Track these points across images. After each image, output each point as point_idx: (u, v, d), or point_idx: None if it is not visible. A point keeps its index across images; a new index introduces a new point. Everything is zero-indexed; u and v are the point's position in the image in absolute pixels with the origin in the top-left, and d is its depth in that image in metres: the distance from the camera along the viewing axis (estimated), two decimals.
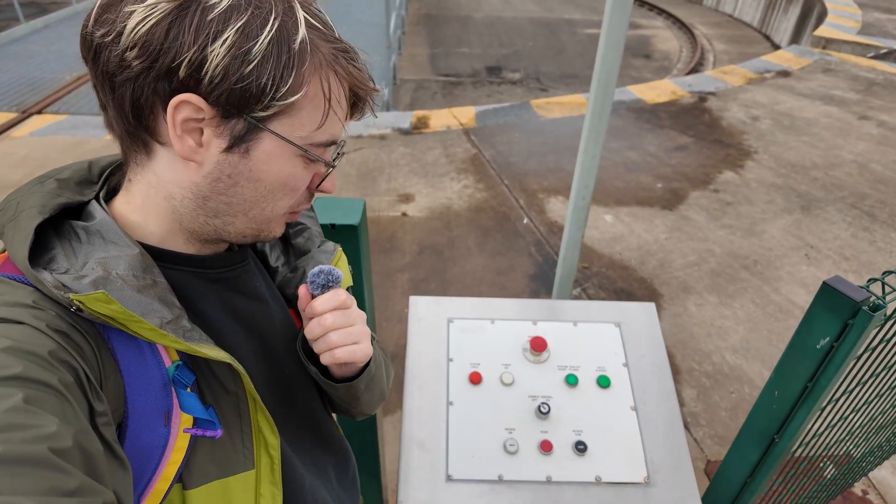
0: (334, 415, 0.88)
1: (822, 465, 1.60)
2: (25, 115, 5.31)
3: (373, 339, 0.73)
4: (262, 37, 0.49)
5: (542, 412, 1.26)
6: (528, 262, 3.44)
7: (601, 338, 1.42)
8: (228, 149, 0.53)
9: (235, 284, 0.65)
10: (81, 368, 0.47)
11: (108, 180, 0.61)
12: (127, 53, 0.48)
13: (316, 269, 0.64)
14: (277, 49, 0.50)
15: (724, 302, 3.11)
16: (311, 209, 0.82)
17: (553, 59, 11.51)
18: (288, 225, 0.77)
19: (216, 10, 0.48)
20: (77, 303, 0.47)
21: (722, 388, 2.58)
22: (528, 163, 4.64)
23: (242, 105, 0.50)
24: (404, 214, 3.90)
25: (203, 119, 0.51)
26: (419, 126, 5.27)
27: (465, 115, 5.56)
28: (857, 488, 2.15)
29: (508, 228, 3.77)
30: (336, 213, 1.15)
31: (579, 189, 1.78)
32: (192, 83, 0.49)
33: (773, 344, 2.82)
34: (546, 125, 5.38)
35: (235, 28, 0.48)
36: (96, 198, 0.59)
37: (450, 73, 11.13)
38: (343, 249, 1.13)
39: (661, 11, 14.57)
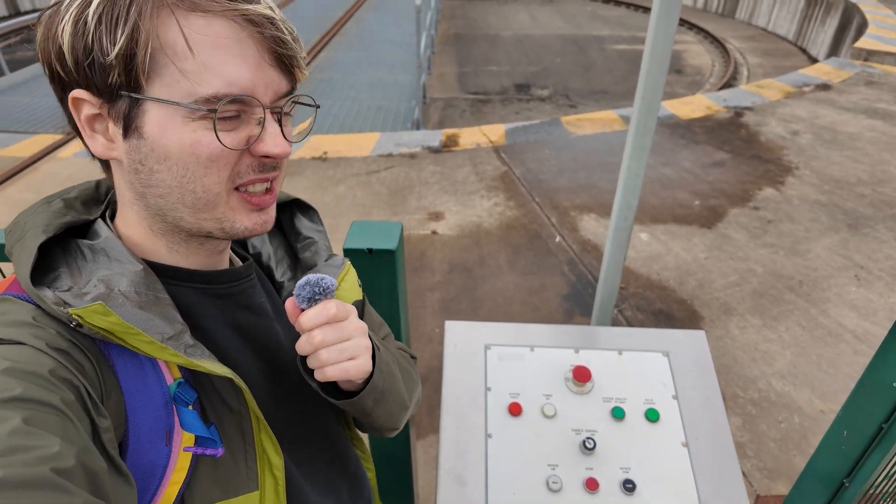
0: (365, 435, 0.84)
1: None
2: (70, 137, 5.51)
3: (375, 349, 0.67)
4: (93, 3, 0.47)
5: (587, 447, 1.19)
6: (561, 282, 3.36)
7: (648, 368, 1.35)
8: (125, 133, 0.51)
9: (240, 300, 0.63)
10: (83, 385, 0.46)
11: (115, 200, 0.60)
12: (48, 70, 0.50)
13: (302, 279, 0.59)
14: (109, 8, 0.47)
15: (768, 325, 2.97)
16: (321, 223, 0.78)
17: (582, 75, 11.45)
18: (295, 239, 0.75)
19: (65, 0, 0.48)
20: (76, 318, 0.47)
21: (769, 417, 2.44)
22: (558, 180, 4.57)
23: (103, 79, 0.48)
24: (434, 233, 3.87)
25: (100, 113, 0.50)
26: (449, 144, 5.27)
27: (494, 132, 5.54)
28: None
29: (540, 247, 3.70)
30: (373, 237, 1.12)
31: (621, 209, 1.72)
32: (70, 78, 0.49)
33: (822, 369, 2.67)
34: (576, 142, 5.32)
35: (73, 6, 0.47)
36: (102, 216, 0.59)
37: (478, 91, 11.16)
38: (380, 273, 1.11)
39: (692, 26, 14.40)
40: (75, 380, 0.46)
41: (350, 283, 0.74)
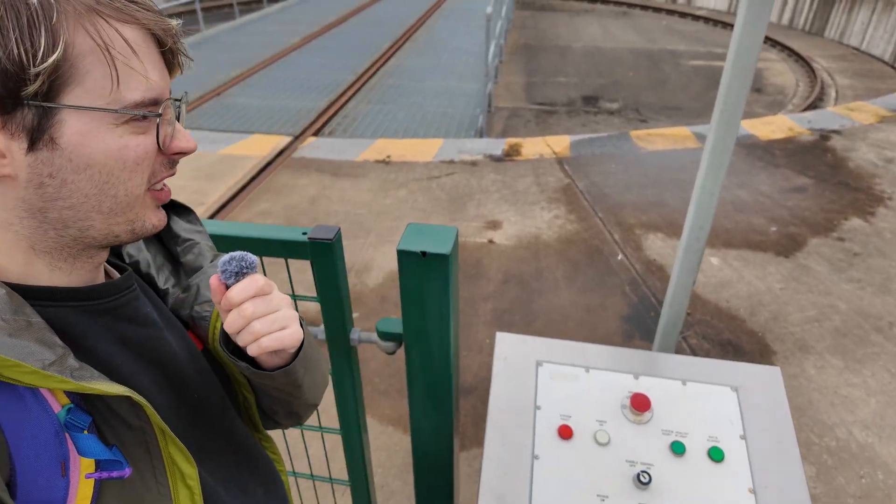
0: (276, 433, 0.81)
1: None
2: None
3: (302, 322, 0.67)
4: None
5: (642, 482, 1.10)
6: (621, 302, 3.22)
7: (714, 402, 1.24)
8: (31, 146, 0.47)
9: (123, 313, 0.60)
10: None
11: None
12: None
13: (226, 256, 0.58)
14: (14, 12, 0.44)
15: (851, 367, 2.72)
16: (200, 223, 0.77)
17: (654, 89, 11.10)
18: (174, 243, 0.74)
19: None
20: None
21: (849, 470, 2.22)
22: (625, 195, 4.41)
23: (13, 89, 0.45)
24: (491, 241, 3.82)
25: None
26: (511, 153, 5.21)
27: (559, 143, 5.43)
28: None
29: (601, 264, 3.57)
30: (427, 240, 1.09)
31: (693, 230, 1.60)
32: None
33: None
34: (646, 157, 5.12)
35: None
36: None
37: (544, 101, 11.03)
38: (432, 278, 1.07)
39: (776, 43, 13.68)
40: None
41: None
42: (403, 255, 1.02)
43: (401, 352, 1.18)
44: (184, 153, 0.57)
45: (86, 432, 0.50)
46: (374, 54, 8.81)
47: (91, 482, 0.50)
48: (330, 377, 1.24)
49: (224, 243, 1.05)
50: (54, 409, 0.49)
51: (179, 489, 0.57)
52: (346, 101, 6.80)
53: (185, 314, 0.71)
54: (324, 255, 1.05)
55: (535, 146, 5.37)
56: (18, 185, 0.49)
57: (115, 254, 0.71)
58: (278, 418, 0.81)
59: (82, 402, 0.51)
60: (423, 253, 1.07)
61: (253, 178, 4.80)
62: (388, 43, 9.55)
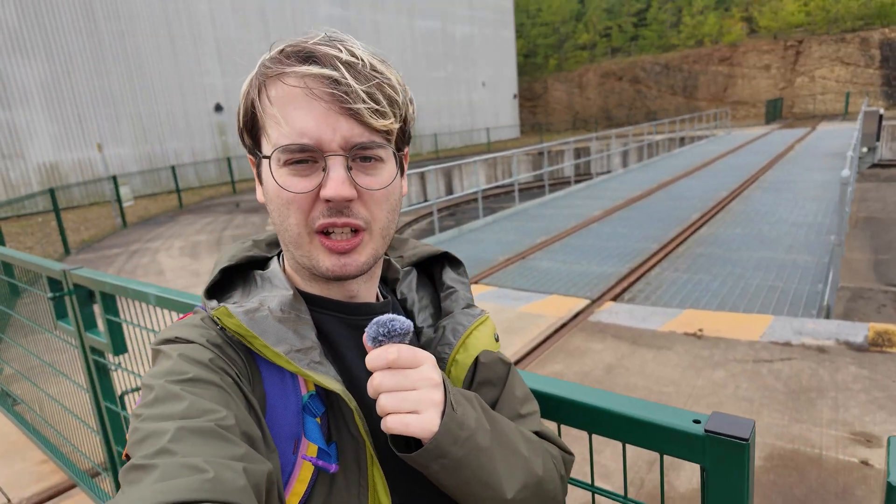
0: None
1: None
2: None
3: (451, 405, 0.58)
4: (244, 84, 0.65)
5: None
6: None
7: None
8: (260, 181, 0.66)
9: None
10: (236, 373, 0.58)
11: None
12: None
13: (374, 321, 0.58)
14: (246, 88, 0.64)
15: None
16: (466, 276, 0.81)
17: None
18: (441, 289, 0.78)
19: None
20: (216, 318, 0.60)
21: None
22: None
23: (244, 142, 0.67)
24: (866, 463, 2.71)
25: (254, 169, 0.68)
26: (880, 343, 3.94)
27: None
28: None
29: None
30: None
31: None
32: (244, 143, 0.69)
33: None
34: None
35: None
36: (278, 255, 0.72)
37: None
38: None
39: None
40: (229, 368, 0.58)
41: (484, 335, 0.72)
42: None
43: None
44: (329, 200, 0.60)
45: (318, 420, 0.61)
46: (682, 225, 8.42)
47: (310, 468, 0.59)
48: None
49: (577, 411, 0.77)
50: (301, 392, 0.61)
51: None
52: (650, 269, 6.45)
53: (429, 352, 0.68)
54: (727, 459, 0.67)
55: None
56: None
57: (391, 290, 0.78)
58: None
59: (325, 397, 0.62)
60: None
61: (548, 338, 4.69)
62: (698, 214, 9.09)
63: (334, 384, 0.59)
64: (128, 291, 1.67)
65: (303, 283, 0.68)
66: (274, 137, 0.60)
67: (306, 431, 0.59)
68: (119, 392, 2.10)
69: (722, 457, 0.67)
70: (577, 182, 14.77)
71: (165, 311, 1.57)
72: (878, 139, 17.81)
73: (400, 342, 0.57)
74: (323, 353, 0.62)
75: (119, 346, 1.92)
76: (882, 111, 18.06)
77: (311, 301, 0.66)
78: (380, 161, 0.62)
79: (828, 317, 4.91)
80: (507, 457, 0.62)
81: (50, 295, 2.11)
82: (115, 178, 12.94)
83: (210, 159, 21.72)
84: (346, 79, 0.58)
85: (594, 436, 0.78)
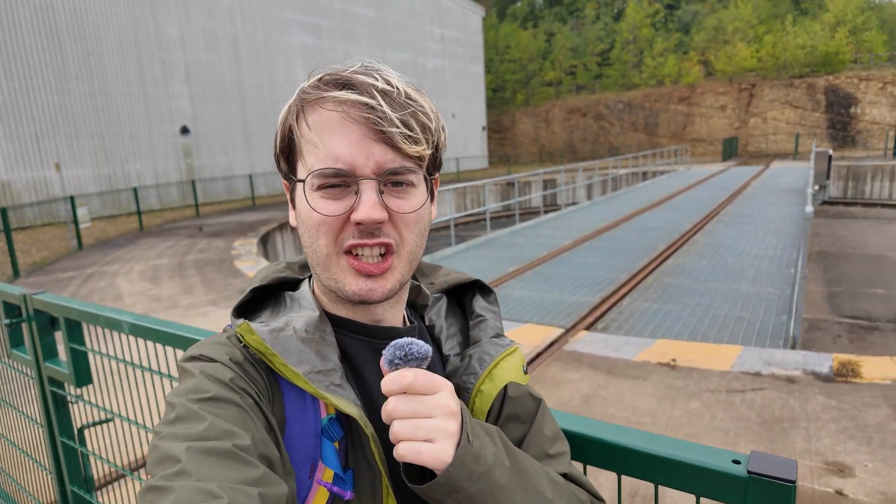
0: None
1: None
2: None
3: (468, 438, 0.56)
4: (282, 110, 0.66)
5: None
6: None
7: None
8: (293, 206, 0.67)
9: None
10: (257, 393, 0.58)
11: None
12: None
13: (392, 343, 0.57)
14: (284, 115, 0.65)
15: None
16: (497, 304, 0.79)
17: None
18: (471, 317, 0.77)
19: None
20: (239, 335, 0.60)
21: None
22: None
23: (280, 168, 0.68)
24: (840, 493, 2.74)
25: (287, 193, 0.68)
26: (844, 373, 4.05)
27: None
28: None
29: None
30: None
31: None
32: (280, 168, 0.69)
33: None
34: None
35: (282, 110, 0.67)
36: (309, 278, 0.73)
37: (858, 315, 9.15)
38: None
39: None
40: (250, 388, 0.57)
41: (512, 366, 0.70)
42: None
43: None
44: (360, 223, 0.60)
45: (336, 445, 0.61)
46: (650, 255, 8.60)
47: (325, 495, 0.59)
48: None
49: (605, 451, 0.73)
50: (321, 415, 0.61)
51: None
52: (621, 298, 6.53)
53: (454, 381, 0.70)
54: (772, 502, 0.63)
55: (881, 367, 4.11)
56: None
57: (420, 316, 0.77)
58: None
59: (344, 421, 0.61)
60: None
61: None
62: (664, 245, 9.31)
63: (352, 408, 0.58)
64: (98, 319, 1.55)
65: (330, 304, 0.69)
66: (310, 162, 0.62)
67: (323, 456, 0.59)
68: (77, 426, 1.94)
69: (767, 500, 0.63)
70: (545, 212, 15.00)
71: (140, 341, 1.46)
72: (828, 178, 18.81)
73: (417, 366, 0.55)
74: (344, 375, 0.61)
75: (83, 377, 1.78)
76: (831, 152, 19.14)
77: (337, 323, 0.66)
78: (411, 186, 0.63)
79: (794, 347, 5.04)
80: (527, 498, 0.58)
81: (6, 321, 1.96)
82: (72, 199, 12.44)
83: (174, 181, 21.22)
84: (382, 106, 0.59)
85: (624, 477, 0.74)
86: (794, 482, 0.62)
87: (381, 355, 0.59)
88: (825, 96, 33.37)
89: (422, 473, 0.58)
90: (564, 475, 0.68)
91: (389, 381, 0.55)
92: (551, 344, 5.17)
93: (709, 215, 12.56)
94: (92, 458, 1.94)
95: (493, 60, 46.68)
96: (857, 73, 33.28)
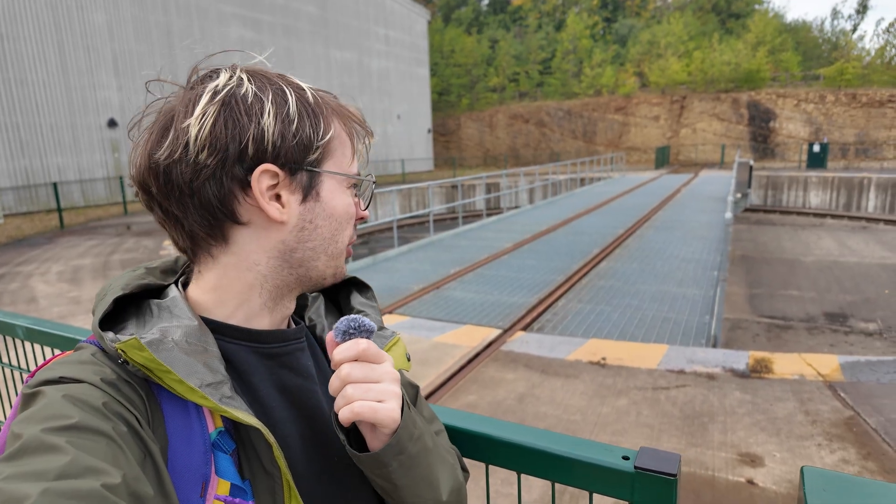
0: None
1: None
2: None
3: (406, 406, 0.62)
4: (290, 100, 0.61)
5: None
6: None
7: None
8: (304, 199, 0.63)
9: (286, 361, 0.66)
10: (133, 416, 0.52)
11: (189, 271, 0.69)
12: (199, 157, 0.58)
13: (344, 317, 0.61)
14: (303, 105, 0.62)
15: None
16: (375, 300, 0.81)
17: None
18: (350, 313, 0.78)
19: (249, 96, 0.60)
20: (121, 352, 0.54)
21: None
22: None
23: (300, 158, 0.62)
24: (751, 482, 2.92)
25: (277, 183, 0.61)
26: (759, 370, 4.33)
27: (824, 364, 4.40)
28: None
29: None
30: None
31: None
32: (259, 156, 0.60)
33: None
34: None
35: (270, 101, 0.60)
36: (175, 282, 0.68)
37: (775, 315, 9.82)
38: None
39: None
40: (126, 412, 0.52)
41: (397, 355, 0.72)
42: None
43: None
44: (363, 219, 0.70)
45: (229, 455, 0.58)
46: (585, 258, 8.87)
47: None
48: None
49: (505, 451, 0.74)
50: (209, 429, 0.58)
51: None
52: (557, 299, 6.70)
53: None
54: (656, 494, 0.66)
55: (790, 364, 4.41)
56: (284, 230, 0.63)
57: (300, 316, 0.78)
58: None
59: (234, 431, 0.59)
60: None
61: (461, 368, 4.68)
62: (598, 249, 9.64)
63: (252, 419, 0.57)
64: None
65: (236, 314, 0.65)
66: (344, 161, 0.66)
67: (218, 469, 0.57)
68: None
69: (651, 492, 0.66)
70: (488, 215, 15.19)
71: (36, 346, 1.36)
72: (749, 186, 20.09)
73: (367, 338, 0.60)
74: (233, 387, 0.59)
75: None
76: (752, 162, 20.46)
77: (217, 330, 0.63)
78: None
79: (715, 346, 5.33)
80: (441, 460, 0.68)
81: None
82: None
83: (99, 177, 19.98)
84: (365, 124, 0.71)
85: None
86: (675, 475, 0.64)
87: (270, 360, 0.64)
88: (748, 110, 35.64)
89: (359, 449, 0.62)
90: None
91: (345, 349, 0.59)
92: (489, 344, 5.24)
93: (640, 220, 13.10)
94: None
95: (438, 64, 46.90)
96: (775, 89, 35.78)
